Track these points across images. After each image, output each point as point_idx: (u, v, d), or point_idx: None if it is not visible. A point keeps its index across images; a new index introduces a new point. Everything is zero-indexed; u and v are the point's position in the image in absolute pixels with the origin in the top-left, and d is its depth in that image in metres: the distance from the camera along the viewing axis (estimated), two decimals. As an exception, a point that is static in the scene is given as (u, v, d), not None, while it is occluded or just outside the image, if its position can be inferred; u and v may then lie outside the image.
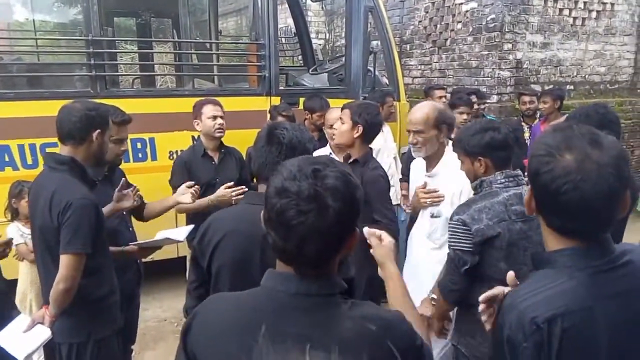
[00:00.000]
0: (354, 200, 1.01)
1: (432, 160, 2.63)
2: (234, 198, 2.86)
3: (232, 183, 2.96)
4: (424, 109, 2.53)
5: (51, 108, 3.62)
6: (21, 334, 2.08)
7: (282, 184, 0.97)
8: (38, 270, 2.21)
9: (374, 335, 0.97)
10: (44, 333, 2.08)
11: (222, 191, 2.91)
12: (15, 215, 3.20)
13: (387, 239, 1.39)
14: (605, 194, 1.04)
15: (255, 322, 0.98)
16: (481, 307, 1.23)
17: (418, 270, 2.67)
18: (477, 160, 2.12)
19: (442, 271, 2.29)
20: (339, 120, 2.80)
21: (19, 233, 3.11)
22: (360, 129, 2.69)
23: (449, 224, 2.10)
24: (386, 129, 4.68)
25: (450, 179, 2.52)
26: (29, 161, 3.65)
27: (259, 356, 0.94)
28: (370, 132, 2.75)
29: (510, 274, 1.23)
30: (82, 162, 2.13)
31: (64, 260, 1.99)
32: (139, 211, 2.79)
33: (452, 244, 2.06)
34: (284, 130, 1.70)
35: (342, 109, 2.81)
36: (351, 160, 2.74)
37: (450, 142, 2.49)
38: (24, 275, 3.18)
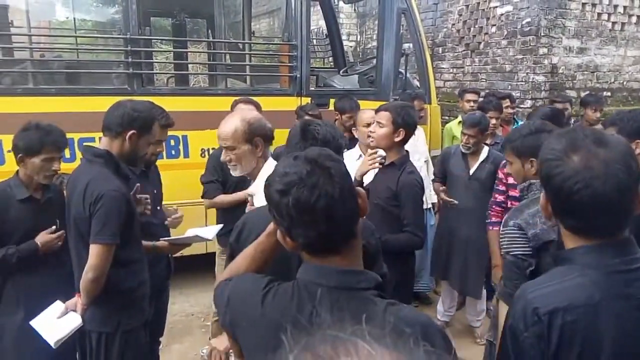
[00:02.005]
0: (334, 156, 1.07)
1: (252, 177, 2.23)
2: None
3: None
4: (232, 122, 2.09)
5: (89, 104, 3.77)
6: (55, 320, 2.16)
7: (281, 183, 1.00)
8: (72, 260, 2.28)
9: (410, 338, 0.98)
10: (75, 320, 2.15)
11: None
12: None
13: None
14: (615, 189, 1.06)
15: (296, 315, 1.00)
16: None
17: None
18: (529, 162, 2.10)
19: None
20: (375, 123, 2.69)
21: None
22: (402, 132, 2.61)
23: (504, 230, 2.05)
24: (418, 132, 4.66)
25: None
26: (67, 155, 3.76)
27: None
28: (409, 135, 2.68)
29: None
30: (117, 156, 2.20)
31: (93, 250, 2.05)
32: None
33: (513, 249, 1.99)
34: (317, 127, 1.74)
35: (379, 111, 2.71)
36: (387, 163, 2.66)
37: (271, 157, 2.17)
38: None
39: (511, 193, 3.06)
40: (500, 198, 3.17)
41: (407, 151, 2.75)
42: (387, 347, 0.37)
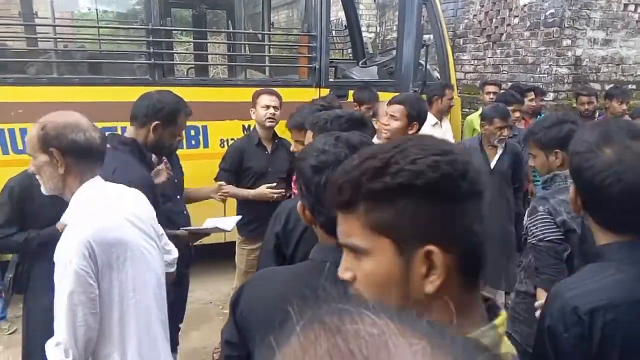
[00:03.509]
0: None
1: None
2: (273, 197, 3.07)
3: (274, 185, 3.17)
4: (34, 126, 1.66)
5: (112, 94, 3.83)
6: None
7: (316, 160, 1.01)
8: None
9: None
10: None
11: (263, 190, 3.08)
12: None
13: None
14: None
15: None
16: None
17: None
18: (554, 154, 2.07)
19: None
20: (389, 116, 2.64)
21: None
22: (416, 126, 2.56)
23: (534, 217, 2.01)
24: (445, 124, 4.62)
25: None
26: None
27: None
28: (421, 127, 2.64)
29: None
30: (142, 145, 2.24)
31: None
32: None
33: (548, 235, 1.97)
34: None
35: (392, 103, 2.66)
36: None
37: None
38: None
39: None
40: None
41: None
42: (392, 318, 0.38)
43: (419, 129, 2.60)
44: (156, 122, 2.20)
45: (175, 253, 2.15)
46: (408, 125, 2.56)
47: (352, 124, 1.72)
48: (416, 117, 2.55)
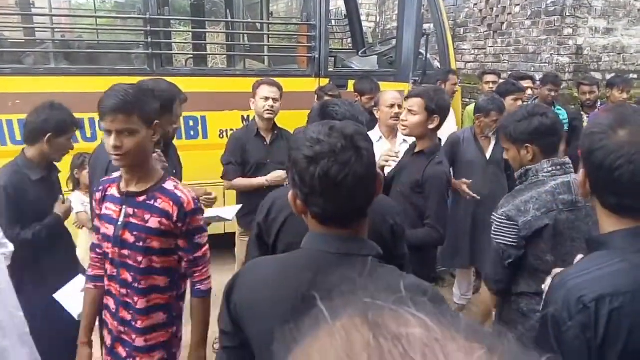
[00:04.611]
0: (368, 137, 1.07)
1: None
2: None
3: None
4: None
5: (109, 84, 3.78)
6: (78, 293, 2.21)
7: (311, 150, 0.99)
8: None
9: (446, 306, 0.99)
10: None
11: (277, 173, 3.01)
12: (76, 185, 3.39)
13: None
14: None
15: (300, 281, 1.00)
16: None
17: None
18: (524, 148, 2.00)
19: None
20: (407, 111, 2.51)
21: (80, 202, 3.30)
22: (437, 119, 2.44)
23: (493, 216, 2.03)
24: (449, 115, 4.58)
25: None
26: (88, 134, 3.82)
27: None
28: (444, 120, 2.50)
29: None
30: None
31: None
32: None
33: (496, 237, 2.00)
34: (335, 107, 1.74)
35: (410, 97, 2.53)
36: (416, 151, 2.52)
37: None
38: (83, 242, 3.35)
39: None
40: None
41: (439, 139, 2.60)
42: (437, 318, 0.36)
43: (441, 123, 2.47)
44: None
45: (10, 247, 2.12)
46: (428, 119, 2.43)
47: None
48: (436, 109, 2.41)
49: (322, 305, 0.39)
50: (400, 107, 3.08)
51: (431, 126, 2.45)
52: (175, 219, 1.75)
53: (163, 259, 1.81)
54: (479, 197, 3.19)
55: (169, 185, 1.78)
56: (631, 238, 1.09)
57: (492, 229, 2.04)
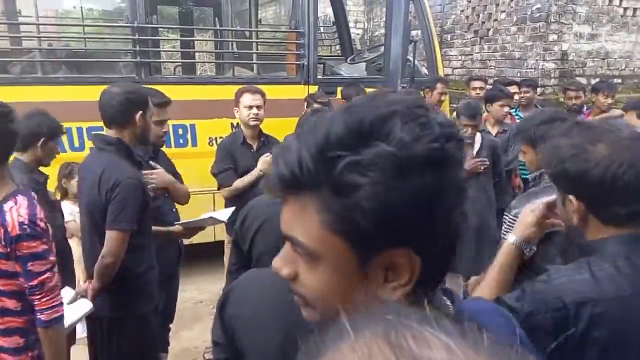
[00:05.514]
0: None
1: None
2: None
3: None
4: None
5: (97, 93, 3.76)
6: (65, 306, 2.19)
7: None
8: (83, 247, 2.31)
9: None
10: (86, 306, 2.17)
11: (267, 159, 2.96)
12: (65, 194, 3.36)
13: None
14: None
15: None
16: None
17: None
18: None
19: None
20: None
21: (68, 211, 3.27)
22: None
23: (506, 216, 2.01)
24: None
25: None
26: (76, 144, 3.79)
27: None
28: None
29: None
30: (128, 144, 2.21)
31: (110, 235, 2.08)
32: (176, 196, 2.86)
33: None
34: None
35: None
36: None
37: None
38: (73, 251, 3.32)
39: None
40: None
41: None
42: (462, 340, 0.35)
43: None
44: (139, 112, 2.18)
45: None
46: None
47: None
48: None
49: (345, 319, 0.38)
50: None
51: None
52: (2, 242, 1.62)
53: (5, 281, 1.68)
54: None
55: (7, 205, 1.64)
56: (622, 245, 1.10)
57: (503, 229, 2.02)
